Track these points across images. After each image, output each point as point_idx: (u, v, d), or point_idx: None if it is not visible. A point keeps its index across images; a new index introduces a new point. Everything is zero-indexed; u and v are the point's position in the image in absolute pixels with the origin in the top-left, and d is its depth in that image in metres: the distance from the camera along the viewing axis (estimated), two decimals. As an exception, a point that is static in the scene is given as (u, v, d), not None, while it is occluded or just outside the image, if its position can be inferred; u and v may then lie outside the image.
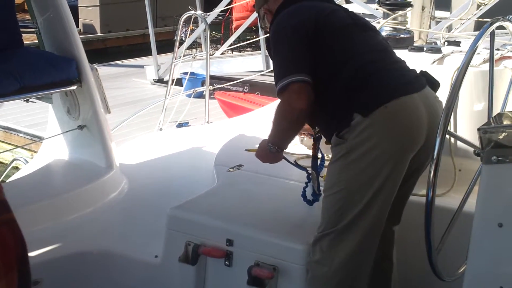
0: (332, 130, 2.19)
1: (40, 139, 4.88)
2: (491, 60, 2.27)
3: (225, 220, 2.45)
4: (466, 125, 2.66)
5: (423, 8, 3.98)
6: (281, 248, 2.30)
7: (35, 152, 4.90)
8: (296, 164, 2.68)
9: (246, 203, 2.66)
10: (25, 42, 3.54)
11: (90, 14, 14.68)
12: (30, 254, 2.77)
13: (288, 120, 2.23)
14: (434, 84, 2.30)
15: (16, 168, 4.68)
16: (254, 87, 8.43)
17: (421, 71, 2.33)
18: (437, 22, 6.28)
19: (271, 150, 2.34)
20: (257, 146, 2.48)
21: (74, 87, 3.34)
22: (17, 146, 7.29)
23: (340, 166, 2.15)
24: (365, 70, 2.18)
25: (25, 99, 3.43)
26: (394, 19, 3.23)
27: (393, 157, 2.09)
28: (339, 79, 2.18)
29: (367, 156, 2.09)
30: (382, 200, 2.12)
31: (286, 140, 2.35)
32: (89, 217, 3.04)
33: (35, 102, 3.69)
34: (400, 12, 3.23)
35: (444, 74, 2.64)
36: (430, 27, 4.67)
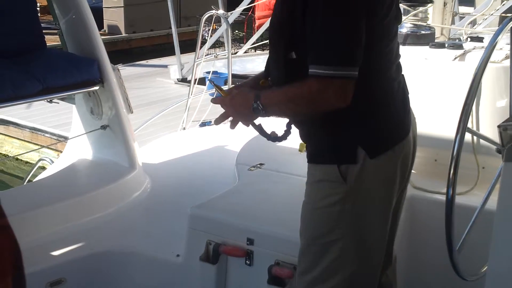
0: (323, 146, 1.90)
1: (65, 139, 4.94)
2: (511, 56, 2.24)
3: (246, 219, 2.45)
4: (488, 121, 2.63)
5: (445, 4, 3.94)
6: (301, 247, 2.29)
7: (61, 151, 4.95)
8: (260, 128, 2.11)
9: (266, 202, 2.66)
10: (49, 43, 3.59)
11: (115, 15, 14.79)
12: (54, 253, 2.82)
13: (313, 109, 1.80)
14: None
15: (43, 168, 4.74)
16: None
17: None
18: (461, 18, 6.22)
19: (256, 108, 1.86)
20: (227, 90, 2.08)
21: (96, 88, 3.37)
22: (43, 146, 7.39)
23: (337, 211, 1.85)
24: (388, 93, 1.86)
25: (48, 100, 3.47)
26: (415, 15, 3.20)
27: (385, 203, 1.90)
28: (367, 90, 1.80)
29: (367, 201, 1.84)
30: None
31: (285, 116, 1.98)
32: (111, 217, 3.06)
33: (58, 103, 3.73)
34: (421, 8, 3.20)
35: (465, 71, 2.61)
36: (453, 23, 4.63)
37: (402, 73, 1.99)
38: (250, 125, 2.03)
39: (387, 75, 1.89)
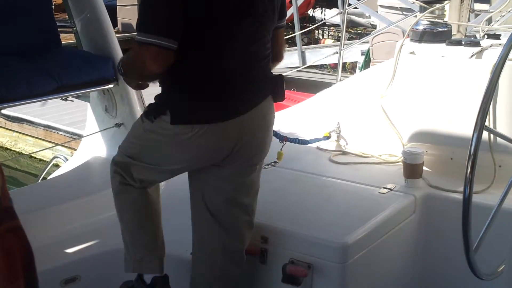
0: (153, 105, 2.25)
1: (79, 137, 4.95)
2: (530, 54, 2.21)
3: (260, 217, 2.44)
4: (505, 120, 2.60)
5: (462, 0, 3.91)
6: (316, 245, 2.29)
7: (75, 149, 4.97)
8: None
9: (280, 200, 2.65)
10: (64, 41, 3.60)
11: (129, 13, 14.81)
12: (68, 250, 2.83)
13: (139, 71, 2.18)
14: (278, 95, 2.31)
15: (57, 166, 4.76)
16: (290, 83, 8.38)
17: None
18: (477, 15, 6.17)
19: (119, 70, 2.29)
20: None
21: (111, 86, 3.37)
22: (57, 144, 7.42)
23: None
24: (223, 77, 2.16)
25: (63, 98, 3.48)
26: (432, 12, 3.16)
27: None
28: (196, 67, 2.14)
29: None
30: None
31: (136, 77, 2.30)
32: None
33: (73, 101, 3.74)
34: (438, 5, 3.16)
35: (482, 68, 2.58)
36: (469, 20, 4.58)
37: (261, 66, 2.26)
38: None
39: (214, 61, 2.15)
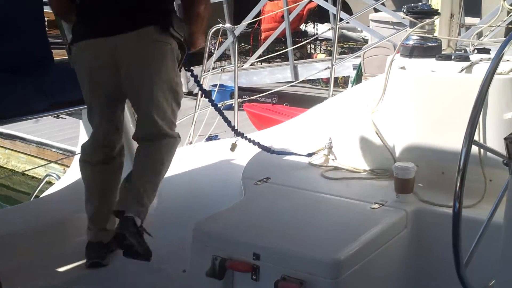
0: None
1: (72, 154, 4.95)
2: (518, 68, 2.23)
3: (252, 234, 2.44)
4: (495, 134, 2.61)
5: (451, 15, 3.94)
6: (307, 261, 2.28)
7: (68, 166, 4.97)
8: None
9: (273, 216, 2.65)
10: (56, 57, 3.61)
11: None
12: (60, 269, 2.82)
13: None
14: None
15: (50, 183, 4.76)
16: (282, 98, 8.43)
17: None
18: (467, 29, 6.22)
19: None
20: None
21: (102, 103, 3.37)
22: (50, 162, 7.40)
23: None
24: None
25: (55, 115, 3.48)
26: (422, 27, 3.18)
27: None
28: None
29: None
30: None
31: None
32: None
33: (65, 118, 3.74)
34: (428, 21, 3.18)
35: (472, 83, 2.60)
36: (459, 34, 4.61)
37: None
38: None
39: None
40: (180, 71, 3.00)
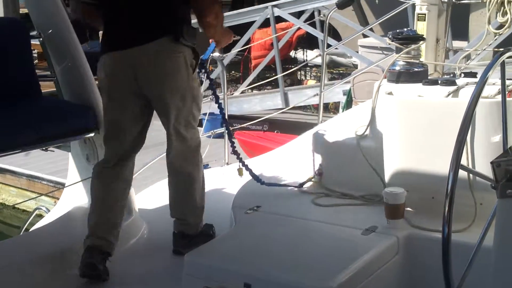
0: None
1: (62, 186, 4.92)
2: (503, 92, 2.25)
3: (242, 263, 2.42)
4: (483, 157, 2.62)
5: (437, 40, 3.97)
6: (299, 291, 2.26)
7: (58, 198, 4.93)
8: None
9: (264, 245, 2.63)
10: (44, 89, 3.60)
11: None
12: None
13: None
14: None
15: (40, 216, 4.71)
16: (273, 125, 8.44)
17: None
18: (455, 52, 6.27)
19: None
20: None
21: (91, 135, 3.37)
22: (40, 194, 7.35)
23: None
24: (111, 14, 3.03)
25: (44, 149, 3.46)
26: (407, 53, 3.20)
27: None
28: None
29: None
30: None
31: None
32: (108, 264, 3.03)
33: (53, 151, 3.72)
34: (413, 46, 3.20)
35: (459, 107, 2.60)
36: (447, 58, 4.65)
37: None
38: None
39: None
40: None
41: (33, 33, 3.52)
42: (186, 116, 3.03)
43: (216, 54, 6.76)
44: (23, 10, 11.14)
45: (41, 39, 3.49)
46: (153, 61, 2.92)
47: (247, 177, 3.50)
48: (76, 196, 3.59)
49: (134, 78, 2.94)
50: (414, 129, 2.85)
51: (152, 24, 2.95)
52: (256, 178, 3.32)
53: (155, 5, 2.96)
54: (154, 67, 2.93)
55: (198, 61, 3.07)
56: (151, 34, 2.93)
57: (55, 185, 7.39)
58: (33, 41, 3.49)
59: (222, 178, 4.12)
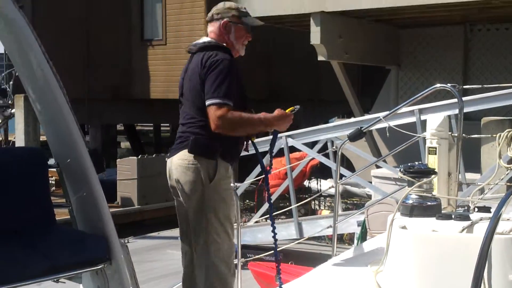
0: None
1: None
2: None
3: None
4: (502, 296, 2.56)
5: (449, 174, 4.00)
6: None
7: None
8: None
9: None
10: (58, 217, 3.62)
11: (128, 187, 15.10)
12: None
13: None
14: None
15: None
16: (287, 256, 8.32)
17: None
18: (468, 185, 6.28)
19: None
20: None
21: (103, 265, 3.34)
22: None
23: None
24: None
25: (55, 280, 3.42)
26: (420, 186, 3.22)
27: None
28: None
29: None
30: None
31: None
32: None
33: (64, 283, 3.68)
34: (425, 180, 3.23)
35: (473, 243, 2.58)
36: (460, 190, 4.64)
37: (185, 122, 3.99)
38: None
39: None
40: None
41: (51, 160, 3.59)
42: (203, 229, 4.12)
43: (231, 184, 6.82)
44: (43, 138, 11.43)
45: (58, 168, 3.55)
46: (176, 172, 4.01)
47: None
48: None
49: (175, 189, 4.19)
50: (428, 264, 2.81)
51: (179, 138, 4.00)
52: None
53: None
54: (177, 177, 3.98)
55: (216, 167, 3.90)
56: (177, 148, 4.02)
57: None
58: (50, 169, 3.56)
59: None
